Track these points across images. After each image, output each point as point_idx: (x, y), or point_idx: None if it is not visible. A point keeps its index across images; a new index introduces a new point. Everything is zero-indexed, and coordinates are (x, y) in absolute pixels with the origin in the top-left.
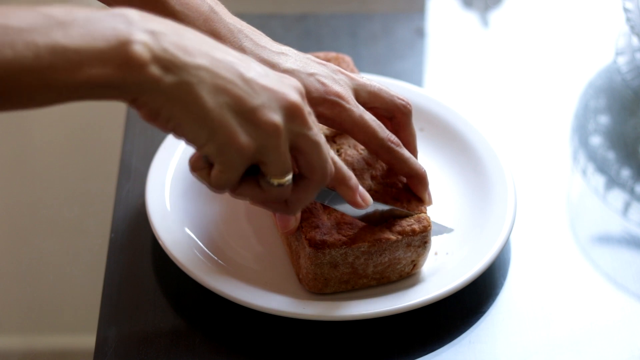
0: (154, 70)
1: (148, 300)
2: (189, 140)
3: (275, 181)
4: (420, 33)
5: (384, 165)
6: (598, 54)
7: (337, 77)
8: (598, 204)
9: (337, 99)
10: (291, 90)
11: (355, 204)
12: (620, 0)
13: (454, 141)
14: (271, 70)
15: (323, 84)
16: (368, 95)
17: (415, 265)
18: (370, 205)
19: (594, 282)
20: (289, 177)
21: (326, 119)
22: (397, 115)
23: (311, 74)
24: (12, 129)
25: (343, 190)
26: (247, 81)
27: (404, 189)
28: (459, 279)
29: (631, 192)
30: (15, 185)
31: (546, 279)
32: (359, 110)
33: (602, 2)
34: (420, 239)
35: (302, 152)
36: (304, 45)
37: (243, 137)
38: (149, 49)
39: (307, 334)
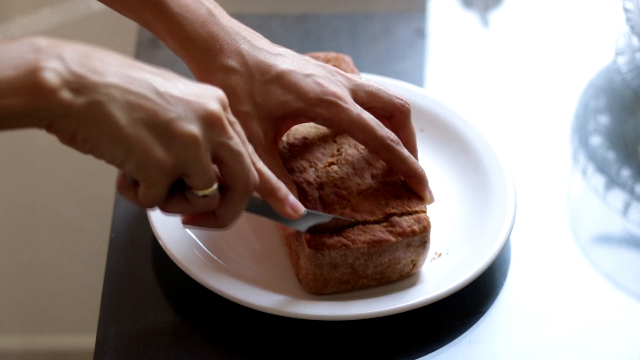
0: (65, 94)
1: (148, 300)
2: (108, 160)
3: (200, 192)
4: (420, 33)
5: (384, 164)
6: (598, 54)
7: (334, 77)
8: (598, 204)
9: (334, 99)
10: (210, 100)
11: (286, 215)
12: (620, 0)
13: (454, 141)
14: (192, 82)
15: (320, 84)
16: (366, 95)
17: (415, 265)
18: (303, 214)
19: (594, 282)
20: (214, 187)
21: (324, 120)
22: (395, 115)
23: (308, 75)
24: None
25: (271, 201)
26: (161, 94)
27: (404, 187)
28: (459, 279)
29: (631, 192)
30: (15, 185)
31: (546, 279)
32: (356, 109)
33: (602, 2)
34: (420, 239)
35: (223, 162)
36: (304, 45)
37: (160, 152)
38: (58, 74)
39: (307, 334)
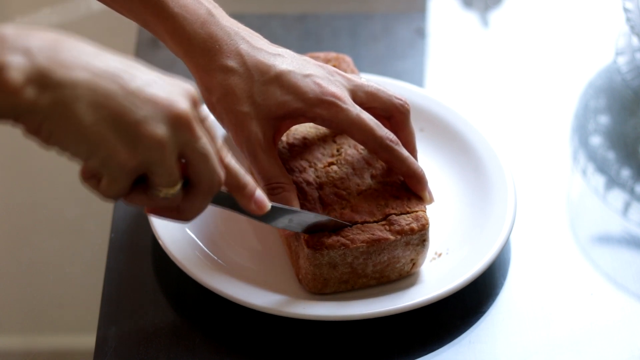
0: (29, 92)
1: (148, 300)
2: (72, 156)
3: (162, 192)
4: (420, 33)
5: (384, 164)
6: (598, 54)
7: (333, 78)
8: (598, 204)
9: (333, 100)
10: (180, 98)
11: (251, 211)
12: (620, 0)
13: (454, 141)
14: (161, 77)
15: (319, 85)
16: (365, 95)
17: (414, 264)
18: (267, 209)
19: (594, 282)
20: (176, 188)
21: (323, 120)
22: (395, 115)
23: (307, 75)
24: (12, 129)
25: (238, 197)
26: (130, 93)
27: (404, 188)
28: (459, 279)
29: (631, 192)
30: (15, 185)
31: (546, 279)
32: (355, 109)
33: (602, 2)
34: (419, 238)
35: (189, 162)
36: (304, 45)
37: (124, 152)
38: (21, 72)
39: (307, 334)
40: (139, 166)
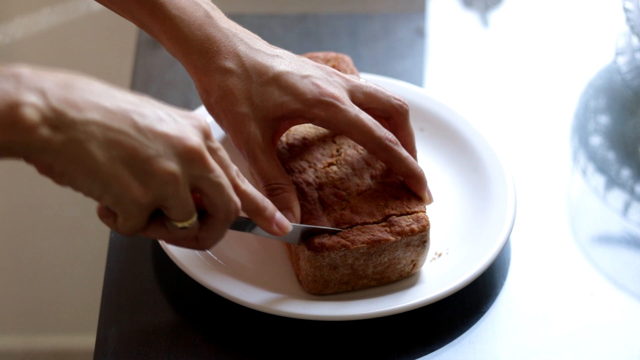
0: (44, 131)
1: (148, 300)
2: (85, 194)
3: (179, 225)
4: (420, 33)
5: (383, 165)
6: (598, 54)
7: (331, 78)
8: (598, 204)
9: (332, 100)
10: (190, 133)
11: (273, 233)
12: (620, 0)
13: (454, 141)
14: (171, 111)
15: (317, 85)
16: (364, 96)
17: (415, 265)
18: (289, 231)
19: (594, 282)
20: (193, 219)
21: (322, 121)
22: (394, 116)
23: (305, 76)
24: None
25: (258, 220)
26: (140, 130)
27: (403, 188)
28: (459, 279)
29: (631, 192)
30: (15, 185)
31: (546, 279)
32: (354, 110)
33: (602, 2)
34: (419, 239)
35: (203, 193)
36: (304, 45)
37: (138, 189)
38: (38, 110)
39: (307, 334)
40: (153, 201)
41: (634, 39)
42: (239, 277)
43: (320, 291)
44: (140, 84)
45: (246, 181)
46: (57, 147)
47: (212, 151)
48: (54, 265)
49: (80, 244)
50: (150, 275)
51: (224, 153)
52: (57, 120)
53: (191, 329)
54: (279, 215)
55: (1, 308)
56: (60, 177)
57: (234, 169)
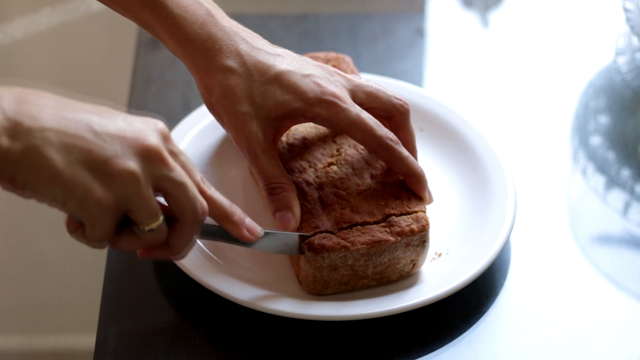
0: (3, 140)
1: (148, 300)
2: (50, 203)
3: (146, 227)
4: (420, 33)
5: (383, 164)
6: (598, 54)
7: (333, 78)
8: (598, 204)
9: (333, 99)
10: (149, 133)
11: (243, 238)
12: (620, 0)
13: (454, 141)
14: (130, 116)
15: (319, 84)
16: (365, 95)
17: (414, 264)
18: (261, 236)
19: (594, 282)
20: (159, 220)
21: (323, 120)
22: (395, 115)
23: (307, 75)
24: None
25: (227, 226)
26: (97, 134)
27: (403, 188)
28: (459, 279)
29: (631, 192)
30: None
31: (546, 279)
32: (355, 109)
33: (602, 2)
34: (419, 239)
35: (167, 194)
36: (304, 45)
37: (99, 190)
38: None
39: (307, 334)
40: (116, 203)
41: (634, 39)
42: (239, 277)
43: (320, 291)
44: (140, 84)
45: (212, 188)
46: (17, 156)
47: (173, 154)
48: (54, 265)
49: (80, 244)
50: (150, 275)
51: (185, 158)
52: (14, 129)
53: (191, 329)
54: (248, 220)
55: (1, 308)
56: (22, 188)
57: (198, 174)
